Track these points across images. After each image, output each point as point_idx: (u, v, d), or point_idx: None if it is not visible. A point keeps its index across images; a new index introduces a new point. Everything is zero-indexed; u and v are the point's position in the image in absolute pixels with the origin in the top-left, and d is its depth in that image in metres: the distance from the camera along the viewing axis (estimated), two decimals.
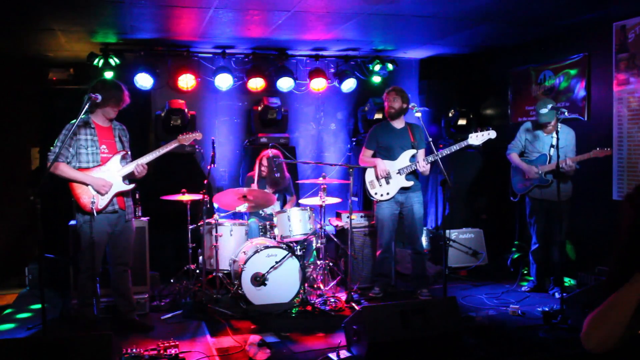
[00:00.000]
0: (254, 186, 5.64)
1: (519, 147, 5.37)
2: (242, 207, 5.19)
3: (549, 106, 5.00)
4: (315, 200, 5.25)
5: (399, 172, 5.11)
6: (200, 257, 5.31)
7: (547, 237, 5.25)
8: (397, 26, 5.54)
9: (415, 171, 5.13)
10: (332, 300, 4.97)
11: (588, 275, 5.44)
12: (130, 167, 4.22)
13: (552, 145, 5.10)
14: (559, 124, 4.62)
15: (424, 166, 4.97)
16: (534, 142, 5.26)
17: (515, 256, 6.07)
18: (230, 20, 5.18)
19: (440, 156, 4.68)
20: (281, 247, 4.96)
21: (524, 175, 5.28)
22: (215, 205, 5.43)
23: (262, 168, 5.68)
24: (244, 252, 5.02)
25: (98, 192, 4.10)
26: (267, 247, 4.90)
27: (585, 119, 5.71)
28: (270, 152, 5.65)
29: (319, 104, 7.16)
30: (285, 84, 6.59)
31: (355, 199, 6.76)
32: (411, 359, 3.63)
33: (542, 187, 5.16)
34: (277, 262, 4.87)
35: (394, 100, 5.11)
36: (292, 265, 4.93)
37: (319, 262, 5.31)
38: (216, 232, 5.13)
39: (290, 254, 4.91)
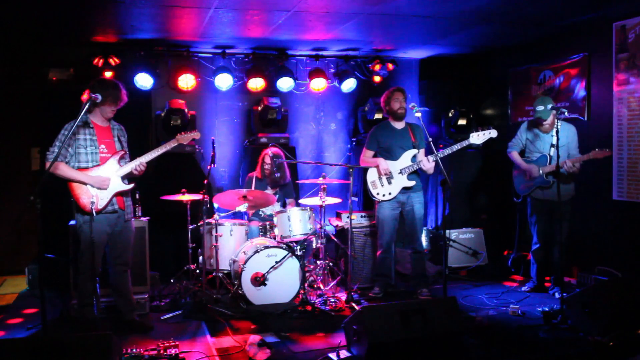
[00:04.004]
0: (254, 187, 5.64)
1: (519, 146, 5.36)
2: (242, 207, 5.19)
3: (548, 106, 5.01)
4: (315, 200, 5.25)
5: (400, 172, 5.11)
6: (200, 257, 5.32)
7: (547, 237, 5.25)
8: (397, 26, 5.54)
9: (416, 171, 5.13)
10: (332, 300, 4.97)
11: (588, 275, 5.45)
12: (130, 166, 4.22)
13: (552, 145, 5.10)
14: (559, 122, 4.61)
15: (429, 163, 4.98)
16: (535, 141, 5.25)
17: (516, 256, 6.08)
18: (230, 20, 5.18)
19: (441, 155, 4.68)
20: (281, 247, 4.96)
21: (525, 175, 5.28)
22: (215, 205, 5.43)
23: (266, 166, 5.67)
24: (244, 252, 5.02)
25: (99, 188, 4.10)
26: (267, 247, 4.90)
27: (585, 119, 5.71)
28: (270, 151, 5.65)
29: (319, 104, 7.16)
30: (285, 84, 6.59)
31: (356, 199, 6.76)
32: (411, 359, 3.63)
33: (544, 188, 5.16)
34: (277, 262, 4.87)
35: (403, 100, 5.15)
36: (292, 265, 4.93)
37: (318, 262, 5.31)
38: (216, 232, 5.13)
39: (290, 254, 4.91)
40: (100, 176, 4.12)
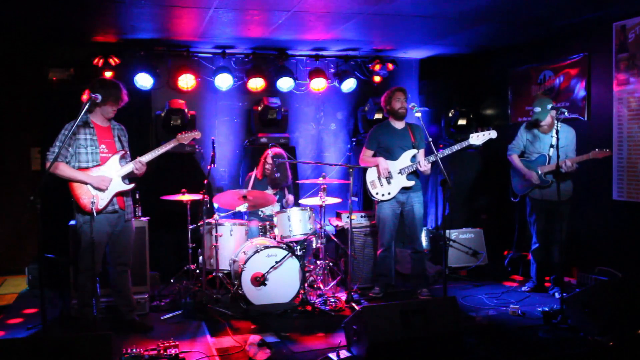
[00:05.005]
0: (252, 186, 5.65)
1: (519, 148, 5.35)
2: (242, 207, 5.19)
3: (547, 106, 5.01)
4: (315, 200, 5.25)
5: (400, 172, 5.11)
6: (200, 257, 5.32)
7: (547, 237, 5.25)
8: (397, 26, 5.54)
9: (416, 171, 5.14)
10: (332, 300, 4.97)
11: (588, 275, 5.45)
12: (130, 166, 4.22)
13: (551, 145, 5.10)
14: (560, 123, 4.61)
15: (425, 165, 4.98)
16: (534, 142, 5.25)
17: (513, 256, 6.09)
18: (230, 20, 5.18)
19: (441, 156, 4.68)
20: (281, 247, 4.96)
21: (523, 176, 5.28)
22: (215, 205, 5.43)
23: (267, 166, 5.67)
24: (244, 252, 5.02)
25: (98, 188, 4.10)
26: (267, 247, 4.90)
27: (585, 119, 5.71)
28: (272, 151, 5.65)
29: (319, 104, 7.16)
30: (285, 84, 6.59)
31: (355, 199, 6.76)
32: (411, 359, 3.63)
33: (542, 187, 5.16)
34: (277, 262, 4.87)
35: (405, 100, 5.16)
36: (292, 265, 4.93)
37: (318, 262, 5.31)
38: (216, 232, 5.13)
39: (290, 254, 4.91)
40: (101, 175, 4.12)
